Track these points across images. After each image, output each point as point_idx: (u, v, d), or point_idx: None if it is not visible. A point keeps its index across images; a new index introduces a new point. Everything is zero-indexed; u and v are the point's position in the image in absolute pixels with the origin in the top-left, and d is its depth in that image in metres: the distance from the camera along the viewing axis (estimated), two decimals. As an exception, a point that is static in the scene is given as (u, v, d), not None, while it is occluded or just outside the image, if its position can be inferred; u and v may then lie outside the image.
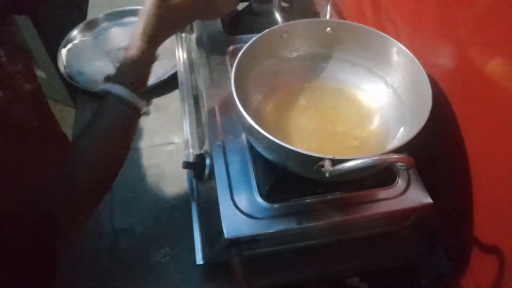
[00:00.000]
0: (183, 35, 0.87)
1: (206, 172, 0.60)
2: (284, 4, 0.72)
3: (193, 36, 0.73)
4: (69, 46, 0.91)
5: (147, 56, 0.50)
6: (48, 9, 1.43)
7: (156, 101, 0.86)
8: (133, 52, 0.49)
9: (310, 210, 0.51)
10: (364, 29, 0.57)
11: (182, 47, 0.88)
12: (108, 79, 0.49)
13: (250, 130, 0.46)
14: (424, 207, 0.53)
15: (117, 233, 0.67)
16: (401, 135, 0.54)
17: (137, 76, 0.50)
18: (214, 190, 0.53)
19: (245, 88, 0.54)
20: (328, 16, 0.61)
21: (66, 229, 0.48)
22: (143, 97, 0.49)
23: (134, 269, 0.63)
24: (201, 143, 0.67)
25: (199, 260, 0.59)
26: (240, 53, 0.52)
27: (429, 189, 0.53)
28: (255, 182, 0.53)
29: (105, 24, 1.03)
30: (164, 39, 0.54)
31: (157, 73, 0.91)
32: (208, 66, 0.65)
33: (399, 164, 0.45)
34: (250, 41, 0.54)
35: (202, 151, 0.63)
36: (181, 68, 0.86)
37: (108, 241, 0.66)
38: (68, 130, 0.70)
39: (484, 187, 0.52)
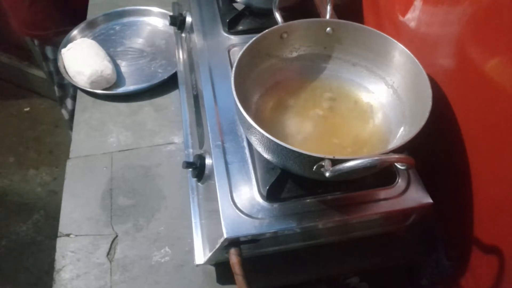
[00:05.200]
0: (183, 35, 0.87)
1: (206, 172, 0.60)
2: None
3: (193, 36, 0.73)
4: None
5: None
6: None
7: (156, 101, 0.87)
8: None
9: (310, 210, 0.51)
10: (364, 29, 0.57)
11: (182, 47, 0.88)
12: None
13: (250, 130, 0.46)
14: (424, 207, 0.53)
15: (117, 233, 0.67)
16: (401, 135, 0.54)
17: None
18: (214, 190, 0.53)
19: (245, 88, 0.54)
20: (328, 16, 0.61)
21: None
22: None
23: (134, 269, 0.63)
24: (201, 143, 0.67)
25: (199, 260, 0.59)
26: (240, 53, 0.52)
27: (429, 189, 0.53)
28: (255, 182, 0.53)
29: (105, 24, 1.03)
30: None
31: (157, 73, 0.91)
32: (208, 66, 0.65)
33: (399, 164, 0.45)
34: (250, 41, 0.54)
35: (202, 151, 0.63)
36: (181, 68, 0.86)
37: (108, 241, 0.66)
38: (68, 130, 0.70)
39: (484, 187, 0.52)
